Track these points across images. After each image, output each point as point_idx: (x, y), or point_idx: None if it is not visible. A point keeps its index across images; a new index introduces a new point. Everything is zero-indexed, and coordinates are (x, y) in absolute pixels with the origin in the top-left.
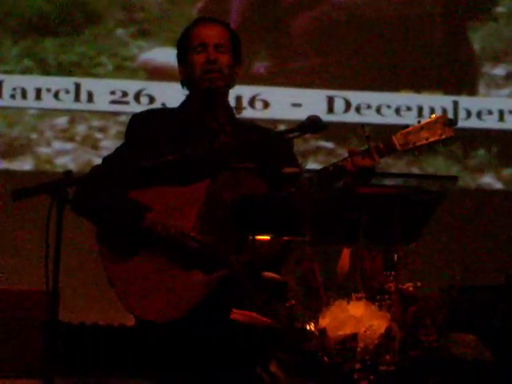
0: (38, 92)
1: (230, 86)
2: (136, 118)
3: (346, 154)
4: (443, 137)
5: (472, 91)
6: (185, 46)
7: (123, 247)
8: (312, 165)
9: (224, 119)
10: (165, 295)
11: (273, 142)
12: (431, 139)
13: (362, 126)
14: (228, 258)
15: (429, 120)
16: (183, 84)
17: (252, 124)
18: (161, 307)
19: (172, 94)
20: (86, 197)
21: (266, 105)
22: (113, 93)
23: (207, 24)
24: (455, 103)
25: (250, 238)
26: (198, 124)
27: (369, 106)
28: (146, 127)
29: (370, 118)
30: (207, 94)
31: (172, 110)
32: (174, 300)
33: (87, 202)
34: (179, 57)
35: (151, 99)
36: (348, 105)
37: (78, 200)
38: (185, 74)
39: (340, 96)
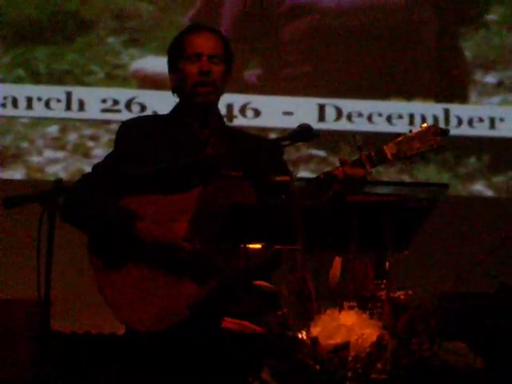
0: (29, 101)
1: (221, 95)
2: (125, 125)
3: (338, 163)
4: (435, 147)
5: (463, 99)
6: (177, 54)
7: (113, 256)
8: (303, 173)
9: (214, 127)
10: (155, 305)
11: (263, 150)
12: (422, 149)
13: (354, 135)
14: (220, 267)
15: (420, 130)
16: (174, 91)
17: (243, 131)
18: (150, 317)
19: (163, 103)
20: (76, 205)
21: (257, 113)
22: (104, 101)
23: (201, 33)
24: (446, 111)
25: (242, 246)
26: (187, 132)
27: (360, 114)
28: (136, 135)
29: (362, 126)
30: (198, 107)
31: (162, 117)
32: (163, 310)
33: (77, 210)
34: (170, 64)
35: (142, 108)
36: (339, 113)
37: (68, 208)
38: (176, 82)
39: (331, 104)
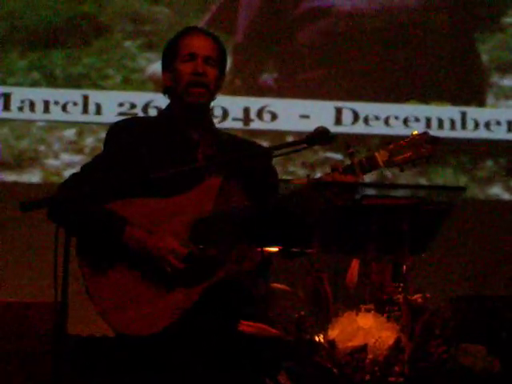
0: (46, 104)
1: (213, 99)
2: (116, 126)
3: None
4: (426, 154)
5: (480, 102)
6: (173, 53)
7: (101, 261)
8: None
9: (204, 130)
10: (144, 309)
11: (252, 154)
12: (413, 157)
13: (348, 146)
14: (216, 268)
15: (411, 137)
16: (165, 92)
17: (231, 135)
18: (138, 322)
19: None
20: (65, 207)
21: (273, 116)
22: (121, 105)
23: (198, 35)
24: (463, 114)
25: (243, 248)
26: (178, 135)
27: (377, 118)
28: (126, 137)
29: (378, 129)
30: (190, 107)
31: (153, 118)
32: (152, 315)
33: (65, 212)
34: (164, 63)
35: (159, 111)
36: (356, 116)
37: (56, 207)
38: (169, 81)
39: (348, 107)
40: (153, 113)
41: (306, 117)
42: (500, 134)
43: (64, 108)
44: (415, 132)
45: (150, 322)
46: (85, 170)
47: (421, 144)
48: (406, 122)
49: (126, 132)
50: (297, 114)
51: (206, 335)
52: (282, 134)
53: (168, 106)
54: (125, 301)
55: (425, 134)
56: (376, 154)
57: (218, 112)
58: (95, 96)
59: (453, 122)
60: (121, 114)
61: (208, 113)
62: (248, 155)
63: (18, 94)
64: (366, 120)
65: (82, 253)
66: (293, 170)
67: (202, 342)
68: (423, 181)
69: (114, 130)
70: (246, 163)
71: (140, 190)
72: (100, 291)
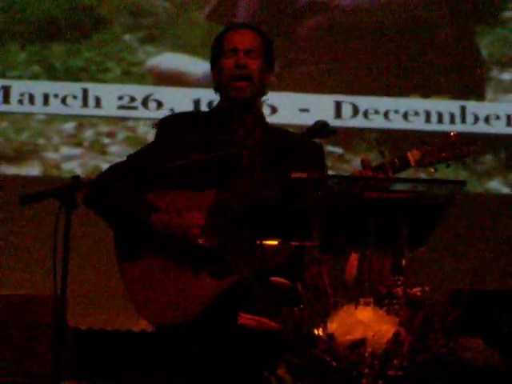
0: (46, 97)
1: (262, 92)
2: (165, 120)
3: (355, 159)
4: (462, 154)
5: (479, 96)
6: (217, 51)
7: (133, 251)
8: None
9: (252, 124)
10: (173, 299)
11: (303, 149)
12: (448, 157)
13: (379, 144)
14: (237, 263)
15: (447, 139)
16: (215, 89)
17: (284, 130)
18: (168, 311)
19: (180, 100)
20: (101, 193)
21: (273, 110)
22: (120, 98)
23: (239, 29)
24: (463, 108)
25: (258, 243)
26: (224, 130)
27: (376, 111)
28: (174, 130)
29: (378, 123)
30: (234, 103)
31: (203, 113)
32: (181, 304)
33: (101, 198)
34: (212, 62)
35: (159, 104)
36: (356, 110)
37: (93, 194)
38: (216, 78)
39: (348, 101)
40: (152, 106)
41: (306, 110)
42: (499, 128)
43: (63, 101)
44: (452, 133)
45: (181, 311)
46: (128, 158)
47: (456, 145)
48: (405, 115)
49: (173, 126)
50: (296, 108)
51: (214, 328)
52: (281, 127)
53: (218, 103)
54: (155, 291)
55: (460, 135)
56: (408, 153)
57: None
58: (95, 89)
59: (452, 116)
60: (120, 107)
61: (256, 107)
62: (296, 151)
63: (18, 86)
64: (365, 114)
65: (118, 244)
66: None
67: (211, 334)
68: (423, 175)
69: (164, 123)
70: (294, 159)
71: (177, 182)
72: (131, 281)
